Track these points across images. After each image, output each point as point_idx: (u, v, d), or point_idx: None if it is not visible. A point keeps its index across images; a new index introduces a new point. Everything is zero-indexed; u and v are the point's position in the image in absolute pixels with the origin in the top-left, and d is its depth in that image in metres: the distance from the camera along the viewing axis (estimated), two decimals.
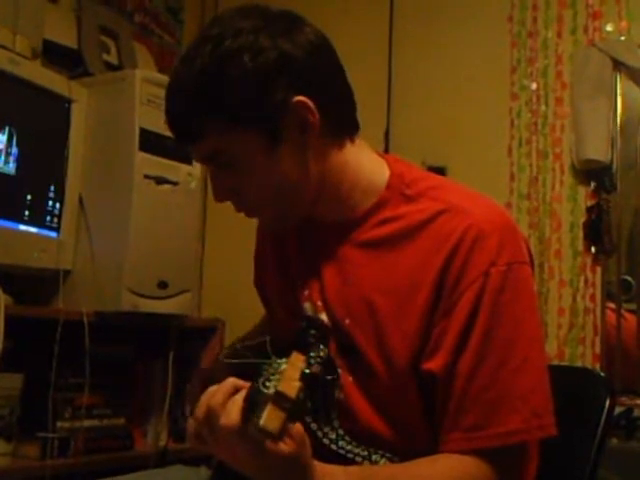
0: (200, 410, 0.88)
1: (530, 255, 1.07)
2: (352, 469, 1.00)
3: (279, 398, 0.79)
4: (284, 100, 1.01)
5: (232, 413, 0.83)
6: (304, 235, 1.17)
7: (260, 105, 1.01)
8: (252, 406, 0.81)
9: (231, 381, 0.88)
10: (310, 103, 1.02)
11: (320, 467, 0.90)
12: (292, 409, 0.79)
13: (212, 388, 0.89)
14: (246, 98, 1.00)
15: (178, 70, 1.04)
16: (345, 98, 1.10)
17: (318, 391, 0.86)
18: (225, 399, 0.86)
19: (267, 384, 0.81)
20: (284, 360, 0.86)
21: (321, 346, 0.94)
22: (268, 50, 1.00)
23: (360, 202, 1.10)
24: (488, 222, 1.02)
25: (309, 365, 0.85)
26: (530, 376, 0.99)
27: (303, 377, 0.83)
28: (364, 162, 1.12)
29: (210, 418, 0.86)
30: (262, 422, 0.78)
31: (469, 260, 1.00)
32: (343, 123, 1.10)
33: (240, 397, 0.84)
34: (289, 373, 0.83)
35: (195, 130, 1.03)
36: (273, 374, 0.83)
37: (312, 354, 0.89)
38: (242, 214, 1.12)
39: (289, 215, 1.11)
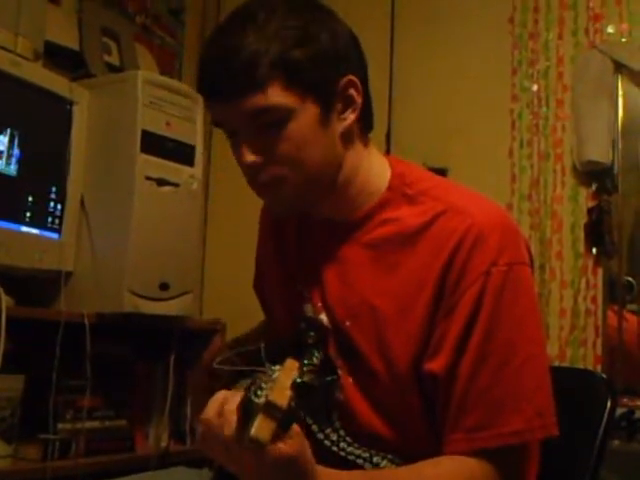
0: (203, 422, 0.86)
1: (530, 256, 1.07)
2: (355, 473, 1.00)
3: (269, 408, 0.78)
4: (343, 76, 1.05)
5: (226, 426, 0.82)
6: (304, 233, 1.17)
7: (326, 75, 1.03)
8: (245, 416, 0.80)
9: (222, 394, 0.86)
10: (359, 84, 1.06)
11: (321, 470, 0.90)
12: (283, 418, 0.79)
13: (216, 395, 0.87)
14: (318, 64, 1.02)
15: (246, 22, 1.01)
16: (369, 95, 1.12)
17: (312, 399, 0.85)
18: (220, 410, 0.84)
19: (259, 393, 0.80)
20: (277, 367, 0.85)
21: (316, 353, 0.93)
22: (336, 29, 1.06)
23: (363, 203, 1.10)
24: (489, 223, 1.02)
25: (302, 373, 0.84)
26: (532, 376, 0.99)
27: (294, 386, 0.82)
28: (375, 165, 1.12)
29: (211, 431, 0.85)
30: (253, 432, 0.78)
31: (470, 260, 1.00)
32: (369, 118, 1.12)
33: (232, 408, 0.82)
34: (281, 381, 0.82)
35: (259, 79, 0.99)
36: (266, 382, 0.82)
37: (306, 361, 0.88)
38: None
39: (301, 197, 1.07)
